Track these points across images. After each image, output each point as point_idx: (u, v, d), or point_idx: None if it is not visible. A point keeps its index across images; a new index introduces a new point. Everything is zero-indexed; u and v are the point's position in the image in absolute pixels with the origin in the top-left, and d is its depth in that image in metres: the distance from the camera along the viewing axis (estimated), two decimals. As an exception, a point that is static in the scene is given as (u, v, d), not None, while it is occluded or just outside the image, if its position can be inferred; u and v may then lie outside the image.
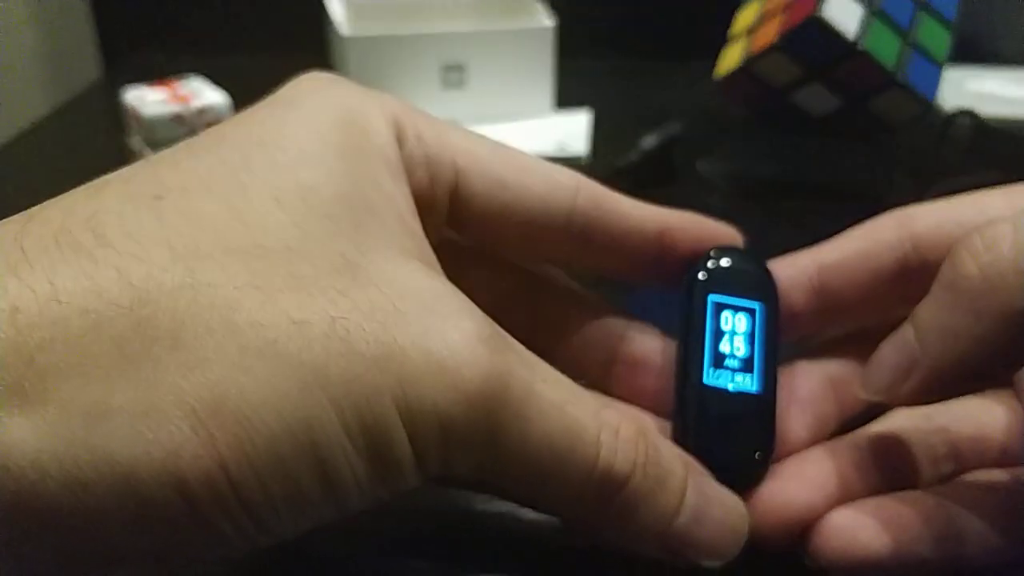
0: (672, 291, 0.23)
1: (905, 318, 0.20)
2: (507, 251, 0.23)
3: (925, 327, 0.19)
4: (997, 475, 0.22)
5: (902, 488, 0.22)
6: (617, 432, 0.19)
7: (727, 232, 0.24)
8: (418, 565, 0.23)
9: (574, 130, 0.56)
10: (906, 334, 0.20)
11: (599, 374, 0.24)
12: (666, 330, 0.24)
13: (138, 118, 0.48)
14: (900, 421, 0.23)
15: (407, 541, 0.24)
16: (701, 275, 0.22)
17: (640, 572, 0.22)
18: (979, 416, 0.23)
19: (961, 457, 0.23)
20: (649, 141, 0.50)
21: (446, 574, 0.23)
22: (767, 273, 0.23)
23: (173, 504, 0.15)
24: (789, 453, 0.22)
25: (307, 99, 0.20)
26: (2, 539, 0.14)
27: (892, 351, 0.20)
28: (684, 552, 0.19)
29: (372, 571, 0.23)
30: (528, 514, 0.24)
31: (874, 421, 0.23)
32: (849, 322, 0.24)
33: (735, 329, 0.22)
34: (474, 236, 0.22)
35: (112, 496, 0.14)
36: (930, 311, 0.19)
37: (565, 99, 0.60)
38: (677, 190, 0.49)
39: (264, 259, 0.16)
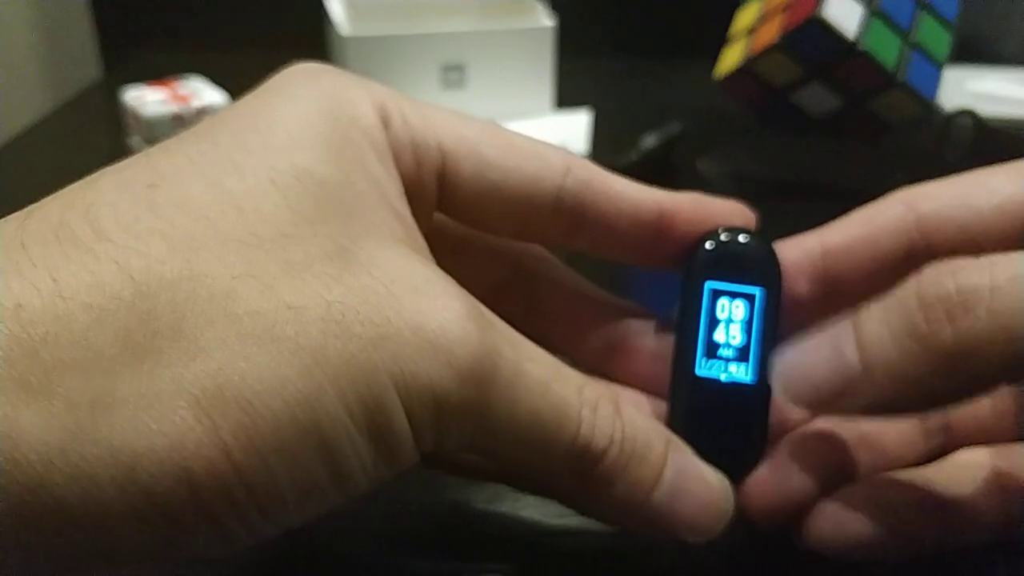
0: (669, 272, 0.23)
1: None
2: (498, 233, 0.23)
3: (875, 359, 0.19)
4: (985, 453, 0.22)
5: (897, 464, 0.22)
6: (596, 408, 0.19)
7: (733, 210, 0.23)
8: (417, 565, 0.23)
9: (574, 130, 0.56)
10: (846, 354, 0.19)
11: (597, 361, 0.24)
12: (661, 310, 0.24)
13: (137, 118, 0.48)
14: None
15: (405, 540, 0.24)
16: (700, 259, 0.22)
17: (631, 564, 0.22)
18: None
19: (951, 431, 0.23)
20: (649, 141, 0.50)
21: (445, 571, 0.23)
22: (772, 255, 0.22)
23: (178, 496, 0.15)
24: (785, 432, 0.22)
25: (294, 88, 0.20)
26: (10, 533, 0.14)
27: (827, 368, 0.19)
28: (663, 526, 0.20)
29: (370, 570, 0.23)
30: (525, 511, 0.24)
31: None
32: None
33: (731, 317, 0.21)
34: (464, 219, 0.22)
35: (116, 488, 0.14)
36: (885, 348, 0.18)
37: (565, 99, 0.60)
38: (677, 190, 0.49)
39: (259, 247, 0.16)
